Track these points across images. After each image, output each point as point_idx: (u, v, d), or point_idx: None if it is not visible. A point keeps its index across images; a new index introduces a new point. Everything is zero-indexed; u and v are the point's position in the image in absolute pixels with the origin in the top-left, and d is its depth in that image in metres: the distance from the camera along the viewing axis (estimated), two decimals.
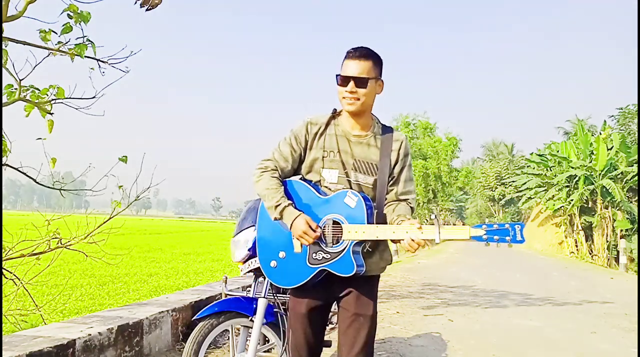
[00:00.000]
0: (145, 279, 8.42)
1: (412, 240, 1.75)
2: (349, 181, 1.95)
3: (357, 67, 1.88)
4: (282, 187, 1.95)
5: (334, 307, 2.19)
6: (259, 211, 2.05)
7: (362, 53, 1.90)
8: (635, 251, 18.46)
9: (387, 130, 2.02)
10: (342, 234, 1.84)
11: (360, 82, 1.88)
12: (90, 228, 3.08)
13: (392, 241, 1.88)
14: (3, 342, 2.48)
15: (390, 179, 1.99)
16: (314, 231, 1.84)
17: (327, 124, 2.01)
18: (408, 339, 4.40)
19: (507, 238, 1.69)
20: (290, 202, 1.91)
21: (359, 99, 1.89)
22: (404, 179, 2.01)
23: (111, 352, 2.96)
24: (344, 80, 1.89)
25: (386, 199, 1.99)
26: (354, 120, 1.97)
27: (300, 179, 2.03)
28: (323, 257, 1.86)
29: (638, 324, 5.36)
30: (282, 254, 1.95)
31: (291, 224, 1.86)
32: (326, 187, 1.97)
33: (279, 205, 1.88)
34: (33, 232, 3.00)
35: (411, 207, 2.00)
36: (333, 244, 1.85)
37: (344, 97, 1.90)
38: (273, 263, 1.96)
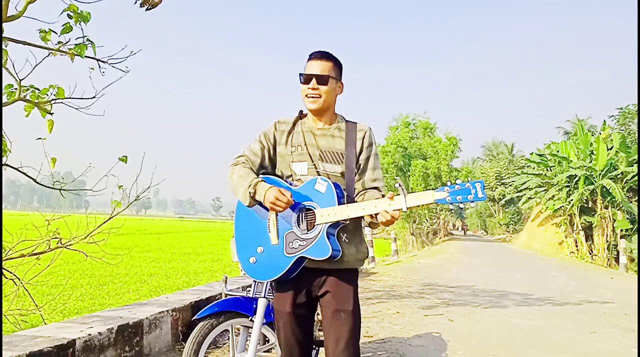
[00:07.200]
0: (145, 279, 8.42)
1: (386, 212, 1.78)
2: (318, 172, 2.01)
3: (319, 66, 2.00)
4: (254, 173, 2.00)
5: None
6: (235, 212, 2.10)
7: (324, 54, 2.03)
8: (635, 251, 18.45)
9: (351, 123, 2.12)
10: (315, 220, 1.89)
11: (322, 79, 1.99)
12: (90, 228, 3.09)
13: (370, 225, 1.95)
14: (3, 342, 2.48)
15: (357, 167, 2.06)
16: (285, 196, 1.84)
17: (295, 124, 2.11)
18: (408, 339, 4.40)
19: (469, 197, 1.72)
20: (261, 178, 1.95)
21: (320, 97, 1.99)
22: (371, 167, 2.07)
23: (111, 352, 2.96)
24: (306, 79, 2.00)
25: (356, 188, 2.04)
26: (317, 118, 2.07)
27: (271, 174, 2.10)
28: (299, 244, 1.90)
29: (638, 324, 5.36)
30: (260, 249, 1.99)
31: (264, 197, 1.88)
32: (298, 179, 2.03)
33: (250, 185, 1.92)
34: (33, 232, 3.00)
35: (382, 195, 2.01)
36: (308, 230, 1.90)
37: (306, 95, 2.00)
38: (252, 259, 2.01)
